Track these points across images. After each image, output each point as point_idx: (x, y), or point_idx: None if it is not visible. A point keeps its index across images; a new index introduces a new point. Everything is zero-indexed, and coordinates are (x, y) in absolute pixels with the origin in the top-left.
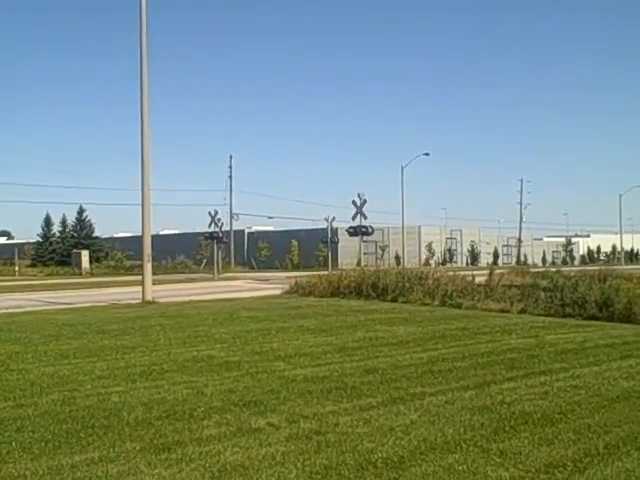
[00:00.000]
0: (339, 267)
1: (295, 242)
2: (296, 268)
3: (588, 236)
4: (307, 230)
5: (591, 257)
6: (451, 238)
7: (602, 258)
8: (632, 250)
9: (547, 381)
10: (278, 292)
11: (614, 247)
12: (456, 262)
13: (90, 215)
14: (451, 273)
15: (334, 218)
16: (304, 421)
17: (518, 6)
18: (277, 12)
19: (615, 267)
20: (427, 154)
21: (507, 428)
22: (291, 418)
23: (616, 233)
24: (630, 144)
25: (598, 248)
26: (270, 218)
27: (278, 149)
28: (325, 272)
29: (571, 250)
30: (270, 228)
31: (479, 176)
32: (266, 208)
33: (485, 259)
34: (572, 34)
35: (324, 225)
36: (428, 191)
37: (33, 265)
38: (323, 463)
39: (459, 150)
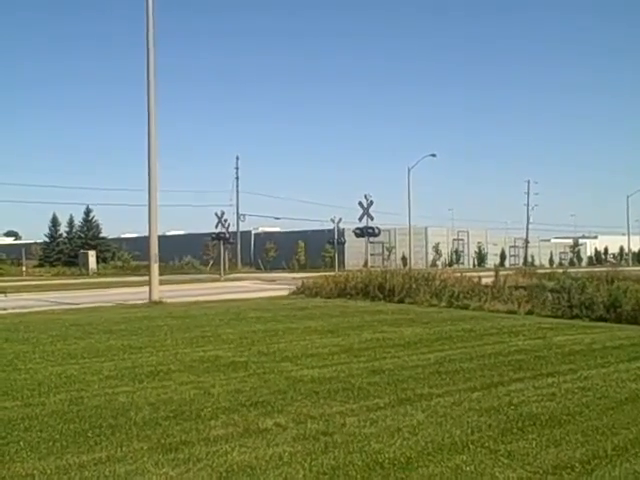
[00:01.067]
0: (346, 268)
1: (302, 243)
2: (303, 269)
3: (595, 237)
4: (314, 231)
5: (598, 258)
6: (458, 239)
7: (609, 259)
8: None
9: (555, 383)
10: (285, 293)
11: (622, 248)
12: (463, 263)
13: (97, 216)
14: (458, 274)
15: (341, 219)
16: (311, 422)
17: (525, 7)
18: (282, 13)
19: (623, 268)
20: (434, 155)
21: (515, 429)
22: (298, 419)
23: (624, 234)
24: (638, 145)
25: (605, 249)
26: (277, 219)
27: (285, 150)
28: (332, 273)
29: (578, 251)
30: (277, 229)
31: (486, 177)
32: (273, 209)
33: (492, 260)
34: (578, 35)
35: (331, 226)
36: (435, 192)
37: (40, 265)
38: (330, 464)
39: (466, 151)
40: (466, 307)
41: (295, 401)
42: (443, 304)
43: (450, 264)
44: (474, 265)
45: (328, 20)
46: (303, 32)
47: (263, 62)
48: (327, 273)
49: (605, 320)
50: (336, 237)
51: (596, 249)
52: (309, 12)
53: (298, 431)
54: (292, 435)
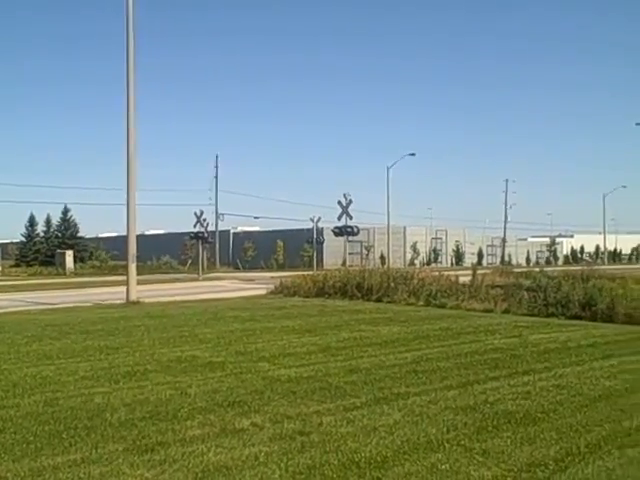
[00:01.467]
0: (324, 267)
1: (281, 242)
2: (281, 268)
3: (572, 236)
4: (293, 230)
5: (574, 257)
6: (436, 238)
7: (585, 258)
8: (615, 250)
9: (530, 381)
10: (263, 292)
11: (597, 247)
12: (441, 262)
13: (75, 215)
14: (436, 273)
15: (320, 218)
16: (288, 421)
17: (509, 6)
18: (262, 12)
19: (598, 267)
20: (413, 154)
21: (490, 427)
22: (275, 418)
23: (600, 233)
24: (614, 145)
25: (582, 248)
26: (256, 218)
27: (265, 149)
28: (310, 272)
29: (555, 250)
30: (256, 228)
31: (465, 176)
32: (252, 208)
33: (470, 259)
34: (555, 34)
35: (310, 225)
36: (414, 191)
37: (17, 265)
38: (306, 463)
39: (445, 150)
40: (443, 306)
41: (272, 401)
42: (421, 303)
43: (428, 263)
44: (452, 264)
45: (311, 17)
46: (285, 30)
47: (243, 61)
48: (305, 272)
49: (580, 318)
50: (315, 236)
51: (572, 248)
52: (291, 9)
53: (275, 431)
54: (269, 435)
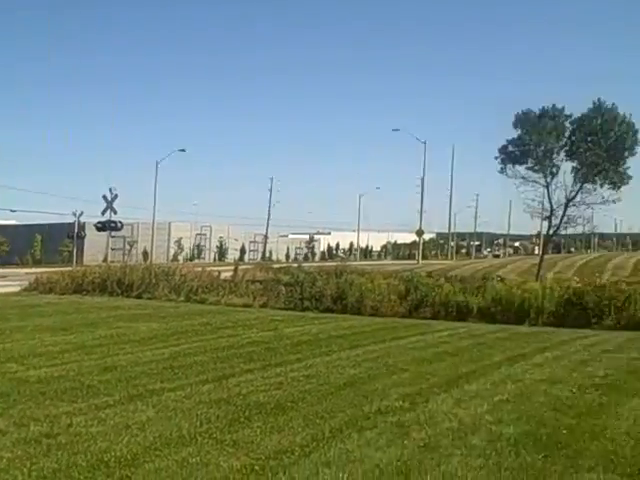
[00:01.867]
0: (84, 263)
1: (39, 237)
2: (38, 264)
3: (329, 234)
4: (53, 224)
5: (330, 253)
6: (201, 234)
7: (340, 254)
8: (367, 247)
9: (282, 372)
10: (16, 289)
11: (351, 244)
12: (204, 258)
13: None
14: (198, 269)
15: (82, 212)
16: (35, 424)
17: None
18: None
19: (351, 263)
20: (183, 150)
21: (242, 419)
22: (20, 422)
23: (354, 231)
24: (371, 149)
25: (337, 245)
26: (13, 212)
27: (29, 138)
28: (69, 268)
29: (313, 247)
30: (12, 222)
31: (234, 173)
32: (10, 201)
33: (233, 255)
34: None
35: (72, 219)
36: (183, 187)
37: None
38: (52, 467)
39: (214, 147)
40: (204, 301)
41: (18, 403)
42: (181, 299)
43: (191, 259)
44: (215, 259)
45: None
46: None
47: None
48: (64, 268)
49: (332, 311)
50: (76, 231)
51: (329, 245)
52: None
53: (19, 435)
54: (12, 440)
